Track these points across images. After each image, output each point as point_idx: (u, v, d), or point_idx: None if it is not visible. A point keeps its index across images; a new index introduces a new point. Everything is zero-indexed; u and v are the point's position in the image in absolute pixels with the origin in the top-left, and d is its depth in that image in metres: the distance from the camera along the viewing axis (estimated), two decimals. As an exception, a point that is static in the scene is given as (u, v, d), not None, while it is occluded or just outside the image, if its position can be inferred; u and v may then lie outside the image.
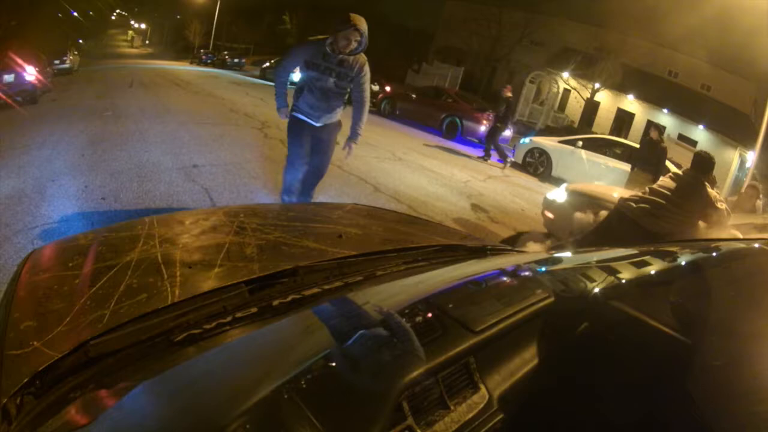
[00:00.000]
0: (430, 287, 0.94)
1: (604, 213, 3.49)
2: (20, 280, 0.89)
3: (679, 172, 3.18)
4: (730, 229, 3.05)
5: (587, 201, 3.79)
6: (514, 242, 4.01)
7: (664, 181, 3.10)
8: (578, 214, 3.71)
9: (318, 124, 2.96)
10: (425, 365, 0.59)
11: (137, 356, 0.66)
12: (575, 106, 20.96)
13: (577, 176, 7.86)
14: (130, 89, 11.74)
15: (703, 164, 3.02)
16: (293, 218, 1.54)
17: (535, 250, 3.65)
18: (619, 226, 2.98)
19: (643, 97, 19.42)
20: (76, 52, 18.15)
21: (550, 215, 4.09)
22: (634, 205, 3.00)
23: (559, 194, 4.09)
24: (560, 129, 18.14)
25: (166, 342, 0.68)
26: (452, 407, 0.56)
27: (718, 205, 2.91)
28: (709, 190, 2.94)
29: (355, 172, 5.39)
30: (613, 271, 1.13)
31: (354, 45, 2.72)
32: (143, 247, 0.97)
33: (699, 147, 17.12)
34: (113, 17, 59.86)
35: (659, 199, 2.93)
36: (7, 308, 0.79)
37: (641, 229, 2.86)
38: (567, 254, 1.57)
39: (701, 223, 2.99)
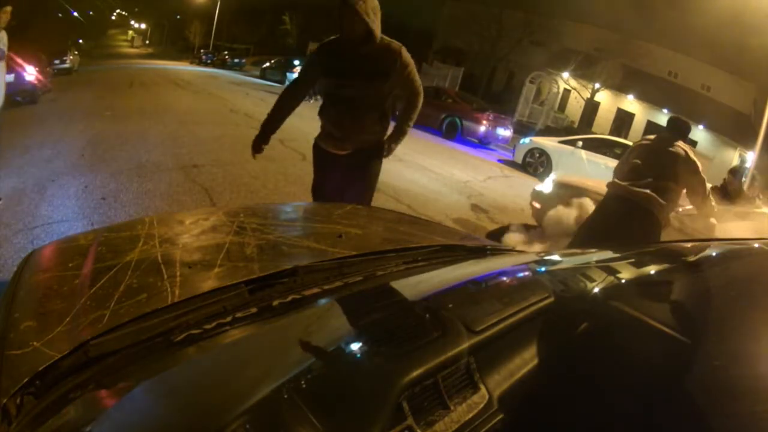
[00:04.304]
0: (430, 287, 0.94)
1: (587, 202, 3.60)
2: (20, 280, 0.89)
3: (651, 137, 2.97)
4: (712, 210, 2.89)
5: (572, 191, 3.97)
6: (501, 235, 4.21)
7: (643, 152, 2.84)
8: (561, 205, 3.91)
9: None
10: (425, 365, 0.59)
11: (137, 356, 0.66)
12: (575, 107, 20.98)
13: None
14: (130, 89, 11.74)
15: (681, 127, 2.85)
16: (293, 218, 1.54)
17: (517, 240, 3.84)
18: (618, 209, 2.76)
19: (643, 97, 19.45)
20: (76, 52, 18.15)
21: (537, 205, 4.32)
22: (626, 183, 2.79)
23: (546, 186, 4.35)
24: (560, 129, 18.15)
25: (166, 342, 0.68)
26: (452, 407, 0.56)
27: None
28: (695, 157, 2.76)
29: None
30: (613, 271, 1.13)
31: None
32: (143, 247, 0.97)
33: (699, 147, 17.15)
34: (113, 17, 59.95)
35: (649, 173, 2.71)
36: (7, 308, 0.79)
37: (638, 207, 2.67)
38: (567, 254, 1.57)
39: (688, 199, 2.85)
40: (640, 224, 2.67)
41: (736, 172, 4.82)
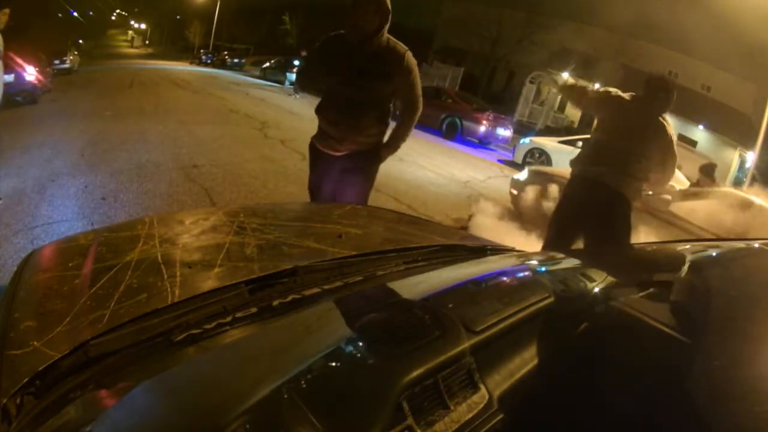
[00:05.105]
0: (430, 287, 0.94)
1: (556, 188, 3.85)
2: (20, 280, 0.89)
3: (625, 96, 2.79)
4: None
5: (544, 178, 4.44)
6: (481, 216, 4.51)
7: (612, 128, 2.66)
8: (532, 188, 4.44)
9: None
10: (425, 365, 0.59)
11: (137, 356, 0.66)
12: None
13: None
14: (129, 89, 11.74)
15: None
16: (293, 218, 1.54)
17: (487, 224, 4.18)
18: (587, 193, 2.56)
19: (643, 97, 19.41)
20: (76, 53, 18.16)
21: (514, 192, 4.81)
22: (590, 163, 2.63)
23: (522, 174, 4.87)
24: (560, 129, 18.15)
25: (166, 342, 0.68)
26: (452, 407, 0.56)
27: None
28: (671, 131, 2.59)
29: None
30: (613, 271, 1.13)
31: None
32: (143, 247, 0.97)
33: (699, 147, 17.16)
34: (113, 17, 60.02)
35: (620, 151, 2.51)
36: (7, 308, 0.79)
37: (605, 188, 2.49)
38: (567, 254, 1.57)
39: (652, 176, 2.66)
40: (613, 209, 2.51)
41: (705, 170, 4.94)
